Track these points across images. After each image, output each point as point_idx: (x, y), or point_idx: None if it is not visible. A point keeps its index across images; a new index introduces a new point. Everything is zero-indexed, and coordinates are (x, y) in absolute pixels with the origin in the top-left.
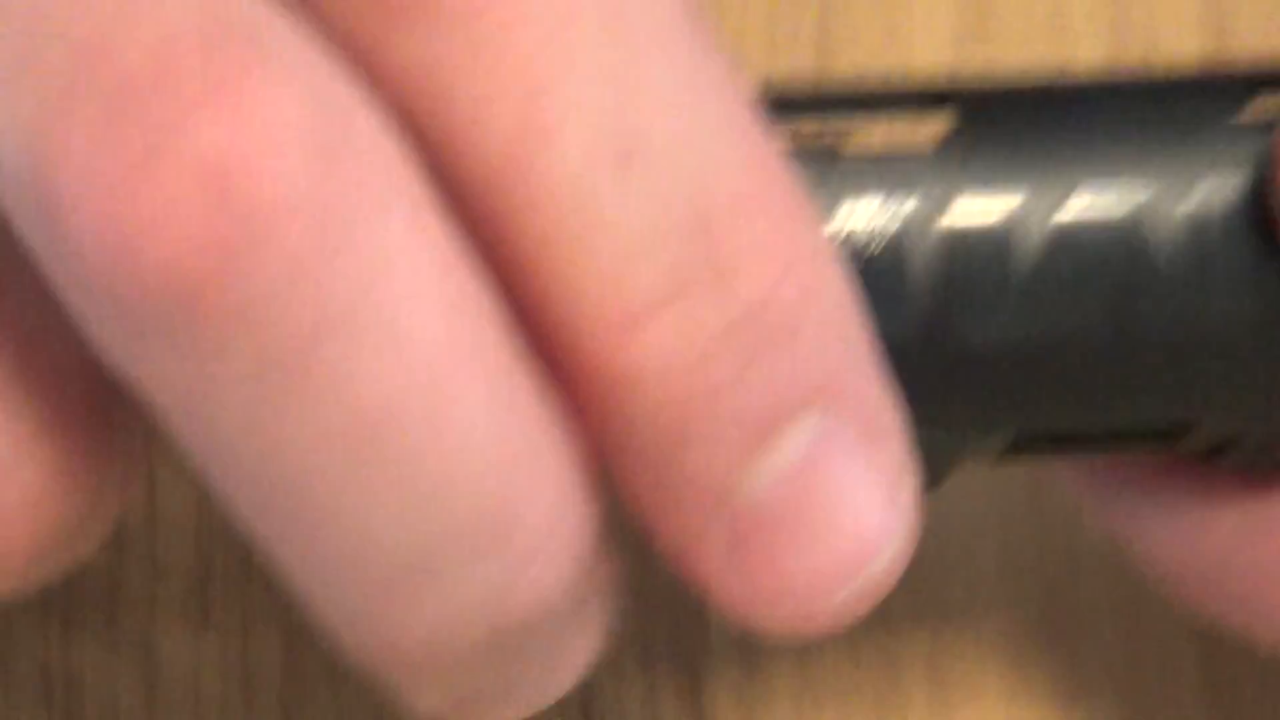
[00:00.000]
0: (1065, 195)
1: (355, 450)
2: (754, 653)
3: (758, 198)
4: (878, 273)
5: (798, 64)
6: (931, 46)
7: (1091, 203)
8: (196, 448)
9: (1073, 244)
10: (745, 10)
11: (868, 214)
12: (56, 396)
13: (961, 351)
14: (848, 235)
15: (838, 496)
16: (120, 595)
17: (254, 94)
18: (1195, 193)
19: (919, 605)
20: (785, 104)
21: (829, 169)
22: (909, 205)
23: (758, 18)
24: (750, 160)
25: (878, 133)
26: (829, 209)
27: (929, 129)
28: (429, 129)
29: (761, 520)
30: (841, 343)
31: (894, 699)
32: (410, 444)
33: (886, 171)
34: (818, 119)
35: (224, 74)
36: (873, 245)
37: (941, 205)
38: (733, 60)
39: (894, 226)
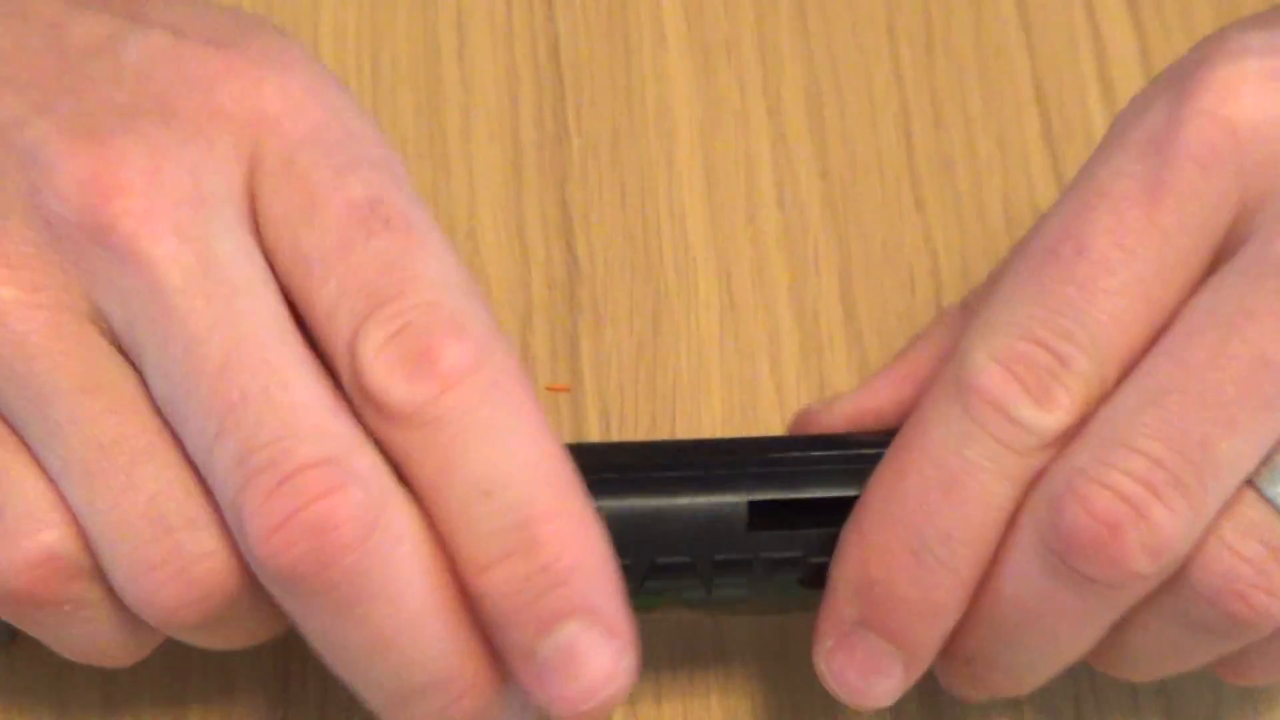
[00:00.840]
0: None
1: (369, 650)
2: None
3: (558, 511)
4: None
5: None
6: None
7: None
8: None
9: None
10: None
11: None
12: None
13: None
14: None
15: (586, 662)
16: None
17: (333, 499)
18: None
19: None
20: None
21: None
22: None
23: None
24: (558, 491)
25: None
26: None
27: None
28: (418, 486)
29: (549, 666)
30: (595, 581)
31: None
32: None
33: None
34: None
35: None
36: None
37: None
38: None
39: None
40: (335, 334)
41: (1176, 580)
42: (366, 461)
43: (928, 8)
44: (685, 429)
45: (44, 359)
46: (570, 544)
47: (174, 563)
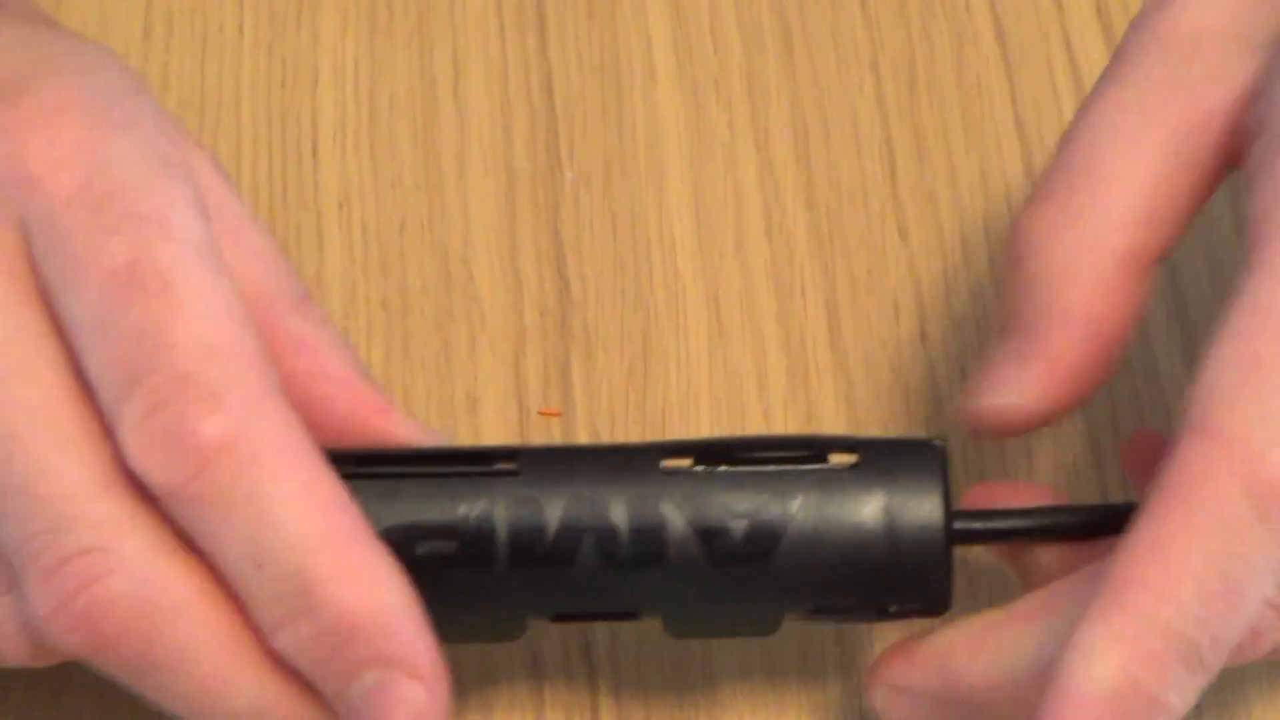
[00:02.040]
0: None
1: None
2: None
3: (335, 573)
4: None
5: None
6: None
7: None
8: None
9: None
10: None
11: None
12: None
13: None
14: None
15: (391, 706)
16: None
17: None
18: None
19: None
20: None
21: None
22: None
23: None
24: (334, 552)
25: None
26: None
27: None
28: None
29: (356, 712)
30: (385, 632)
31: None
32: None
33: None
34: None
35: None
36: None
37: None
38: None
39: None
40: (103, 406)
41: None
42: (133, 544)
43: (911, 45)
44: None
45: None
46: (352, 603)
47: None
